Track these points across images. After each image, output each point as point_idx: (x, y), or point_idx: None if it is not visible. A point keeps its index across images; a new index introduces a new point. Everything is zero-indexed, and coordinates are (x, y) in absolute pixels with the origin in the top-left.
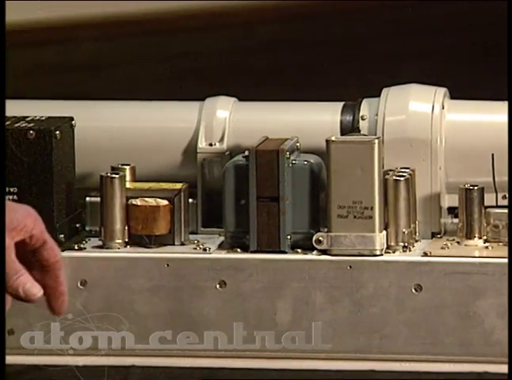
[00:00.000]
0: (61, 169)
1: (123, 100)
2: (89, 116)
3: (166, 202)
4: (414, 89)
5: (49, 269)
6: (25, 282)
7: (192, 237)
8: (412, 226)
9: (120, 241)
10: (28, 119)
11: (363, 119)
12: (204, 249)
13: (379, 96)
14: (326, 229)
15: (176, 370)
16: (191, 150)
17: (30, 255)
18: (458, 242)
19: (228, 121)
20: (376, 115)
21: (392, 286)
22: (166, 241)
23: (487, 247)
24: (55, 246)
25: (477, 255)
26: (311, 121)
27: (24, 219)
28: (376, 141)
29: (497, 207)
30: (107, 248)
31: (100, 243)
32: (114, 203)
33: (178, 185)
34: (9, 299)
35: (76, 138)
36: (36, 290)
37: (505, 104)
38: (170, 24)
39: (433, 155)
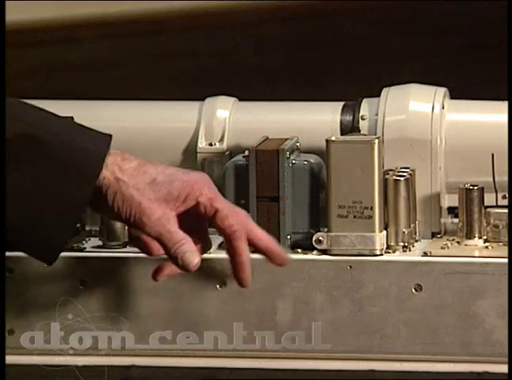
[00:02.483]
0: None
1: (123, 100)
2: (89, 116)
3: None
4: (414, 88)
5: (227, 239)
6: (185, 251)
7: None
8: (412, 225)
9: (119, 241)
10: None
11: (363, 119)
12: None
13: (379, 96)
14: (326, 229)
15: (176, 370)
16: (191, 149)
17: (207, 224)
18: (458, 242)
19: (228, 121)
20: (376, 115)
21: (392, 286)
22: None
23: (487, 247)
24: (234, 215)
25: (477, 255)
26: (311, 121)
27: (186, 188)
28: (376, 141)
29: (497, 206)
30: (107, 248)
31: (100, 243)
32: None
33: None
34: (171, 268)
35: None
36: (194, 259)
37: (505, 104)
38: (170, 24)
39: (433, 155)
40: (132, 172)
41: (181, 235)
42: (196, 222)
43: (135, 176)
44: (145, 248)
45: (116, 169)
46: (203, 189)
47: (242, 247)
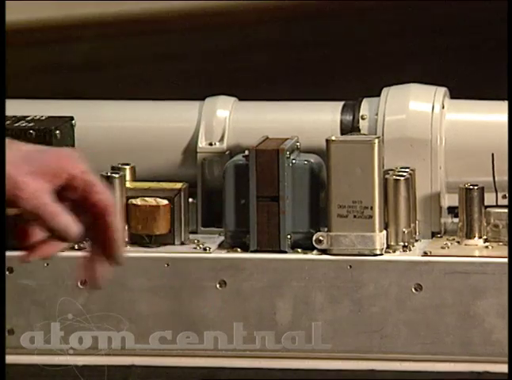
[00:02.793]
0: None
1: (123, 100)
2: (89, 116)
3: (166, 201)
4: (414, 88)
5: (99, 214)
6: (64, 221)
7: (192, 236)
8: (412, 225)
9: None
10: (28, 118)
11: (363, 119)
12: (204, 249)
13: (379, 95)
14: (326, 229)
15: (176, 370)
16: (191, 149)
17: (79, 201)
18: (458, 242)
19: (228, 121)
20: (376, 114)
21: (392, 286)
22: (166, 240)
23: (487, 247)
24: (104, 190)
25: (477, 254)
26: (311, 121)
27: (59, 161)
28: (376, 140)
29: (497, 206)
30: None
31: None
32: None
33: (178, 185)
34: (49, 246)
35: (76, 138)
36: (74, 228)
37: (505, 104)
38: (170, 24)
39: (433, 155)
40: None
41: (57, 207)
42: (72, 198)
43: (7, 152)
44: (20, 235)
45: None
46: (76, 162)
47: (117, 222)
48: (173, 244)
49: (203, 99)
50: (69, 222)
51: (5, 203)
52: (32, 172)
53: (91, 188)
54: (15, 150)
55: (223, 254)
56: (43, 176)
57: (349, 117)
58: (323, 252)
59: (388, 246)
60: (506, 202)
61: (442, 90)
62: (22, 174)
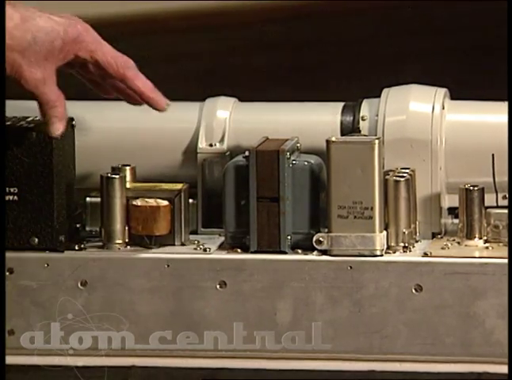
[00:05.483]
0: (61, 169)
1: (123, 100)
2: (90, 116)
3: (166, 202)
4: (415, 89)
5: (121, 81)
6: (53, 115)
7: (192, 237)
8: (412, 226)
9: (120, 241)
10: (29, 119)
11: (363, 120)
12: (205, 250)
13: (379, 96)
14: (326, 230)
15: (176, 371)
16: (191, 150)
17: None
18: (458, 242)
19: (228, 121)
20: (377, 115)
21: (392, 287)
22: (167, 241)
23: (487, 247)
24: (117, 58)
25: (477, 255)
26: (311, 121)
27: (66, 46)
28: (377, 141)
29: (497, 207)
30: (107, 249)
31: (100, 243)
32: (114, 204)
33: (178, 185)
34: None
35: (76, 139)
36: (58, 125)
37: (505, 104)
38: (171, 24)
39: (433, 155)
40: (13, 32)
41: (54, 97)
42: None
43: (16, 37)
44: None
45: None
46: (82, 43)
47: (138, 75)
48: (174, 244)
49: (203, 100)
50: (56, 119)
51: (5, 205)
52: (39, 60)
53: (100, 64)
54: (23, 31)
55: (224, 255)
56: (50, 60)
57: (349, 118)
58: (323, 252)
59: (388, 247)
60: (506, 203)
61: (442, 91)
62: (28, 63)
